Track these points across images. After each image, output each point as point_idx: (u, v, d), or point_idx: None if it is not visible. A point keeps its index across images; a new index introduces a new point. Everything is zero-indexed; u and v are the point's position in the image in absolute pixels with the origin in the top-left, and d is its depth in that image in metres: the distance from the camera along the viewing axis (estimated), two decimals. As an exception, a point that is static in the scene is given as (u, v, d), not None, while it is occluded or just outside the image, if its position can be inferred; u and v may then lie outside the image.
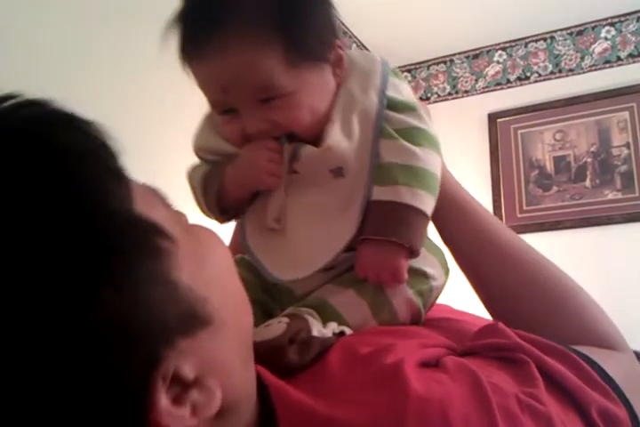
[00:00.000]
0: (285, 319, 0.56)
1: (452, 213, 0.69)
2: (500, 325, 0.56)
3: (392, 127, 0.63)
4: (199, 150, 0.70)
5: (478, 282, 0.69)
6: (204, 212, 0.70)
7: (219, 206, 0.67)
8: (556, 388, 0.49)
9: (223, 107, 0.63)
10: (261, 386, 0.48)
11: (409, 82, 3.04)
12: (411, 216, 0.60)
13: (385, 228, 0.60)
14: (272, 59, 0.59)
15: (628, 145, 2.56)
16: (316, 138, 0.63)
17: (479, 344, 0.54)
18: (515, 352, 0.51)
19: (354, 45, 2.83)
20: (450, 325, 0.65)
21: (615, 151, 2.58)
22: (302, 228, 0.64)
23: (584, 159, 2.62)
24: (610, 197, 2.53)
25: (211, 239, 0.47)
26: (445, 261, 0.68)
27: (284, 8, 0.60)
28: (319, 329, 0.56)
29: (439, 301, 0.69)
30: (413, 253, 0.61)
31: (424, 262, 0.65)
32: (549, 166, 2.68)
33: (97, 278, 0.34)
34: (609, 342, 0.62)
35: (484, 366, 0.49)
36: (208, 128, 0.69)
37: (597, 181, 2.57)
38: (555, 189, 2.64)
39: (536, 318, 0.64)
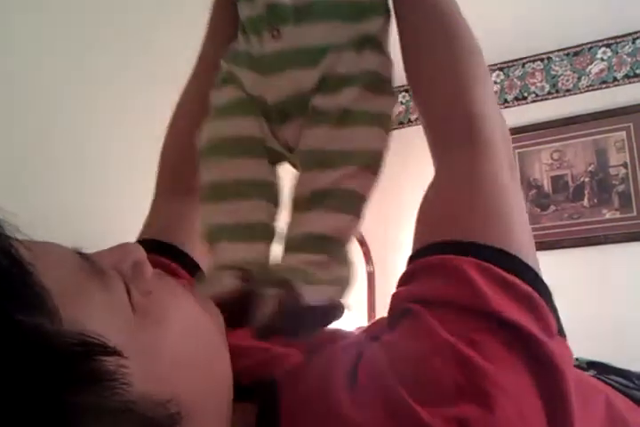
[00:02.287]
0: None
1: None
2: (393, 293, 0.53)
3: None
4: None
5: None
6: None
7: None
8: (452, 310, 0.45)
9: None
10: None
11: (407, 101, 3.07)
12: None
13: None
14: None
15: (625, 165, 2.56)
16: None
17: (386, 318, 0.52)
18: (405, 305, 0.48)
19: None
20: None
21: (613, 171, 2.59)
22: None
23: (582, 179, 2.63)
24: (608, 216, 2.53)
25: (166, 304, 0.42)
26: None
27: None
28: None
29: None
30: None
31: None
32: (547, 186, 2.69)
33: None
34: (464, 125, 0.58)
35: (389, 340, 0.47)
36: None
37: (595, 201, 2.58)
38: (552, 208, 2.64)
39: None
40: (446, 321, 0.44)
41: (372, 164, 0.59)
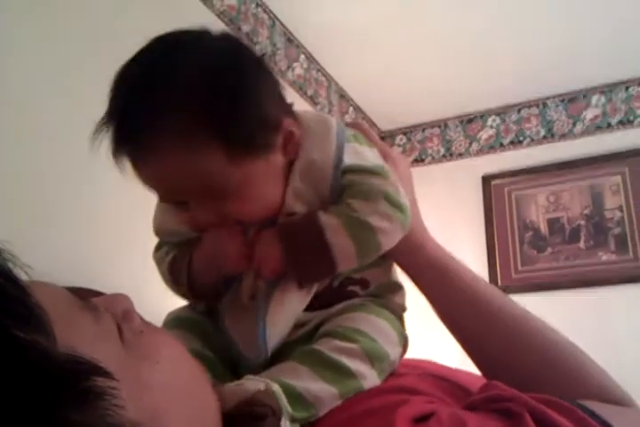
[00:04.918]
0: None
1: (436, 279, 0.69)
2: (499, 382, 0.55)
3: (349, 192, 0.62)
4: (159, 232, 0.68)
5: (467, 345, 0.69)
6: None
7: (193, 294, 0.66)
8: None
9: (172, 200, 0.61)
10: None
11: (404, 144, 3.12)
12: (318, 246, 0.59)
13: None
14: (210, 159, 0.55)
15: (621, 208, 2.60)
16: (275, 216, 0.62)
17: (478, 398, 0.54)
18: (511, 402, 0.50)
19: (351, 108, 2.91)
20: (449, 384, 0.64)
21: (608, 214, 2.62)
22: (270, 305, 0.62)
23: (577, 222, 2.66)
24: (604, 258, 2.55)
25: (156, 342, 0.45)
26: (382, 353, 0.60)
27: (216, 102, 0.55)
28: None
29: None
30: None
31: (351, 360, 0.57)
32: (543, 228, 2.71)
33: None
34: (612, 395, 0.61)
35: (480, 418, 0.49)
36: (166, 210, 0.65)
37: (591, 243, 2.60)
38: (549, 250, 2.66)
39: (530, 377, 0.63)
40: None
41: (375, 356, 0.58)
